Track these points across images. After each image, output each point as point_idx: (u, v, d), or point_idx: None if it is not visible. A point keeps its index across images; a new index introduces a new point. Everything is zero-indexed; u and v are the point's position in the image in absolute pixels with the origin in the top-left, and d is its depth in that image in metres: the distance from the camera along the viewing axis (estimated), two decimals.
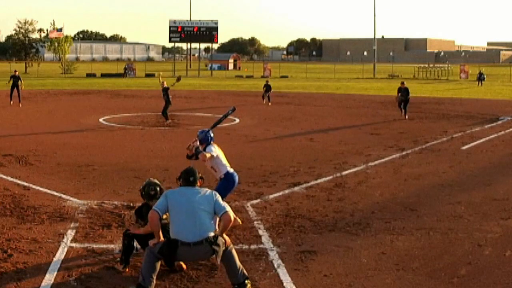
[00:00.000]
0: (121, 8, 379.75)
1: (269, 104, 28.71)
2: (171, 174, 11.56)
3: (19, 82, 26.25)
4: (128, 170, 11.95)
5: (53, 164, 12.50)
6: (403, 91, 22.73)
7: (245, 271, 5.91)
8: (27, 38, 74.09)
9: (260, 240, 7.54)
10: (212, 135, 8.16)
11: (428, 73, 70.83)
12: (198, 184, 6.19)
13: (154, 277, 5.83)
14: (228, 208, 5.92)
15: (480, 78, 47.91)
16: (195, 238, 5.70)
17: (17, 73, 27.08)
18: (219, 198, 6.01)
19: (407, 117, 22.49)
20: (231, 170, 8.03)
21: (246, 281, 5.86)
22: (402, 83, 23.48)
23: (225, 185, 7.92)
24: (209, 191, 6.06)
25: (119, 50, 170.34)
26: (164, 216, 6.05)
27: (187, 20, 72.23)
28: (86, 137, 16.97)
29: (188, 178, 6.08)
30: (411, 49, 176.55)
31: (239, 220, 6.44)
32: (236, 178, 7.96)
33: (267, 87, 29.67)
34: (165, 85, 20.55)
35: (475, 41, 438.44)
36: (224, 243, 5.81)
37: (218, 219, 6.32)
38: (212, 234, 5.78)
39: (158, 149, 14.74)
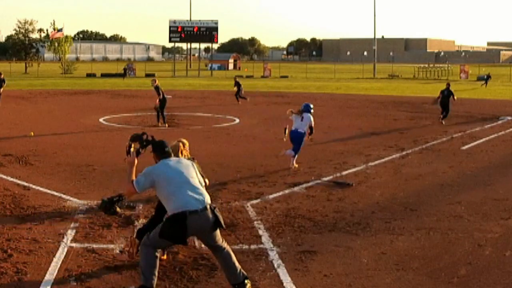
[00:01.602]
0: (121, 8, 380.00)
1: (241, 100, 28.99)
2: None
3: (3, 84, 25.61)
4: None
5: (53, 164, 12.50)
6: (446, 92, 21.59)
7: (243, 271, 5.88)
8: (27, 38, 74.14)
9: (260, 240, 7.54)
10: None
11: (428, 73, 70.87)
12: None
13: (156, 274, 5.79)
14: (205, 182, 6.04)
15: (487, 79, 47.61)
16: (201, 205, 5.61)
17: (1, 76, 25.93)
18: (198, 169, 6.02)
19: (443, 122, 21.09)
20: None
21: (246, 281, 5.81)
22: (448, 84, 22.42)
23: None
24: (188, 161, 6.05)
25: (119, 50, 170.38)
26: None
27: (187, 20, 72.25)
28: (86, 137, 16.97)
29: (164, 149, 5.98)
30: (411, 49, 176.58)
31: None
32: None
33: (238, 85, 29.96)
34: (157, 83, 20.08)
35: (475, 41, 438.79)
36: None
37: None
38: (210, 200, 5.78)
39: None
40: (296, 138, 12.24)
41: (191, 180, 5.76)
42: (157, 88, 19.72)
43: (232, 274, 5.80)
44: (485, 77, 48.14)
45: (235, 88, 29.96)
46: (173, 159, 5.97)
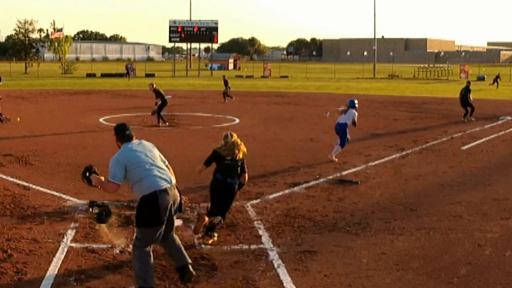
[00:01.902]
0: (121, 8, 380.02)
1: (227, 99, 29.70)
2: None
3: None
4: None
5: (53, 164, 12.49)
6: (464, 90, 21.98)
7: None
8: (27, 38, 74.14)
9: (260, 240, 7.54)
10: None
11: (428, 73, 70.84)
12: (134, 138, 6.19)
13: (153, 274, 5.85)
14: (167, 162, 6.16)
15: (496, 79, 47.22)
16: (168, 184, 5.80)
17: None
18: (158, 150, 6.16)
19: (465, 119, 21.75)
20: None
21: (189, 265, 5.95)
22: (468, 82, 23.00)
23: None
24: (149, 143, 6.18)
25: (119, 50, 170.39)
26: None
27: (187, 20, 72.22)
28: (86, 137, 16.97)
29: (124, 133, 6.13)
30: (411, 49, 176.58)
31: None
32: None
33: (226, 83, 30.70)
34: (155, 87, 19.95)
35: (475, 41, 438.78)
36: None
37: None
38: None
39: (158, 149, 14.71)
40: (340, 129, 13.44)
41: (156, 162, 5.92)
42: (157, 92, 19.58)
43: (178, 256, 6.01)
44: (495, 78, 47.59)
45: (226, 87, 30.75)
46: (134, 142, 6.08)
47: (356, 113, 13.57)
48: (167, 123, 19.62)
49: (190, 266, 5.99)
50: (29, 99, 29.03)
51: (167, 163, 6.14)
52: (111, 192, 6.08)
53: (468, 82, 22.97)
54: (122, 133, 6.13)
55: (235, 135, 7.60)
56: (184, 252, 6.07)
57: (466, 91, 22.10)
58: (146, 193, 5.69)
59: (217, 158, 7.65)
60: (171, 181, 5.86)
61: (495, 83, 46.27)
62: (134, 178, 5.78)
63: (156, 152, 6.10)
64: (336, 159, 13.25)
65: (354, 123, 13.53)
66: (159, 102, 19.40)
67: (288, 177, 11.48)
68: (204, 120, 21.70)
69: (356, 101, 13.85)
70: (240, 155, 7.47)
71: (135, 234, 5.94)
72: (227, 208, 7.64)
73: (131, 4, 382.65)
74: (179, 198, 5.91)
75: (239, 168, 7.52)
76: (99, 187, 6.10)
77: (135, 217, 5.90)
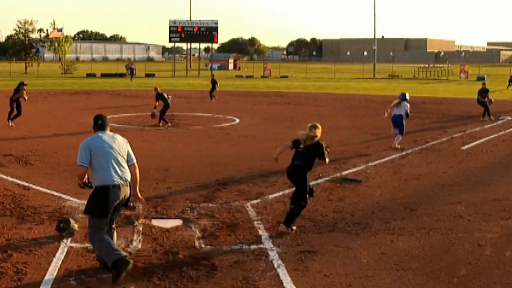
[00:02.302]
0: (121, 8, 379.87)
1: (215, 98, 30.19)
2: (171, 174, 11.58)
3: None
4: None
5: (53, 164, 12.49)
6: (482, 92, 22.71)
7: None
8: (27, 38, 74.14)
9: (260, 240, 7.55)
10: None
11: (428, 73, 70.83)
12: (109, 128, 6.55)
13: (116, 247, 6.25)
14: (135, 161, 6.50)
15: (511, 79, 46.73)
16: (122, 180, 6.23)
17: None
18: (130, 148, 6.53)
19: (485, 118, 22.30)
20: None
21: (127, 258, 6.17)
22: (484, 83, 23.83)
23: None
24: (122, 138, 6.52)
25: (119, 50, 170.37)
26: None
27: (187, 20, 72.24)
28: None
29: (97, 122, 6.51)
30: (411, 49, 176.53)
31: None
32: None
33: (214, 83, 31.08)
34: (159, 91, 19.92)
35: (475, 41, 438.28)
36: None
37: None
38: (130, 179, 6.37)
39: (158, 149, 14.74)
40: (397, 121, 15.13)
41: (119, 157, 6.29)
42: (160, 96, 19.46)
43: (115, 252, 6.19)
44: (510, 77, 46.87)
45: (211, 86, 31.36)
46: (107, 133, 6.45)
47: (408, 105, 15.20)
48: (169, 124, 19.63)
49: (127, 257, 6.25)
50: (29, 99, 28.97)
51: (134, 161, 6.48)
52: (80, 175, 6.35)
53: (483, 83, 23.90)
54: (96, 122, 6.51)
55: (319, 128, 8.14)
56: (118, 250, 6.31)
57: (480, 91, 22.84)
58: (100, 185, 6.16)
59: (295, 145, 8.16)
60: (125, 179, 6.26)
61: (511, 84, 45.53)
62: (94, 165, 6.20)
63: (126, 148, 6.44)
64: (399, 146, 15.04)
65: (407, 114, 15.15)
66: (160, 107, 19.42)
67: None
68: (204, 120, 21.70)
69: (407, 94, 15.41)
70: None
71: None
72: (302, 191, 7.95)
73: (131, 4, 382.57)
74: (128, 195, 6.33)
75: (312, 154, 8.00)
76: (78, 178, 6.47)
77: (86, 203, 6.38)
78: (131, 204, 8.84)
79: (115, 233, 6.53)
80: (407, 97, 15.21)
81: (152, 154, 13.98)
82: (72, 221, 7.69)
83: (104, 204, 6.12)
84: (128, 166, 6.42)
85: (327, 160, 8.11)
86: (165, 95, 19.64)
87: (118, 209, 6.42)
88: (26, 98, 19.56)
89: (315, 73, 72.03)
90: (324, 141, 8.16)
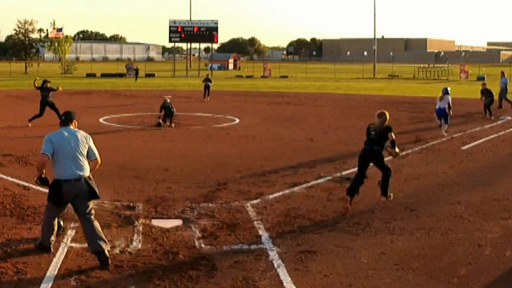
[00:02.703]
0: (121, 8, 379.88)
1: (208, 99, 30.46)
2: (171, 174, 11.58)
3: None
4: (128, 170, 11.95)
5: None
6: (486, 93, 22.95)
7: (106, 243, 6.63)
8: (27, 38, 74.16)
9: (260, 240, 7.55)
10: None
11: (428, 73, 70.80)
12: (73, 124, 7.01)
13: (53, 234, 6.92)
14: (97, 155, 6.90)
15: None
16: (74, 176, 6.61)
17: None
18: (92, 143, 6.92)
19: (492, 117, 22.56)
20: None
21: (105, 251, 6.54)
22: (484, 84, 24.11)
23: None
24: (84, 135, 6.92)
25: (119, 50, 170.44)
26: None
27: (187, 20, 72.25)
28: None
29: (62, 118, 7.08)
30: (411, 49, 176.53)
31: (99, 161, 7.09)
32: None
33: (208, 81, 31.46)
34: (169, 101, 19.67)
35: (475, 41, 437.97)
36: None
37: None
38: (88, 173, 6.76)
39: (158, 149, 14.75)
40: (441, 113, 17.63)
41: (76, 153, 6.69)
42: (166, 107, 19.35)
43: (93, 242, 6.58)
44: None
45: (210, 84, 31.72)
46: (69, 129, 6.89)
47: (450, 98, 17.58)
48: (173, 124, 19.71)
49: (106, 252, 6.58)
50: (29, 99, 29.01)
51: (95, 156, 6.87)
52: (40, 162, 6.81)
53: (484, 84, 24.30)
54: (60, 118, 7.13)
55: (386, 114, 9.74)
56: (100, 239, 6.61)
57: (482, 92, 23.33)
58: (55, 177, 6.70)
59: (368, 134, 9.53)
60: (79, 175, 6.65)
61: None
62: (54, 159, 6.69)
63: (86, 145, 6.83)
64: (446, 133, 17.41)
65: (449, 106, 17.34)
66: (162, 115, 19.44)
67: (288, 177, 11.48)
68: (204, 120, 21.70)
69: (449, 88, 18.01)
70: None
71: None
72: (384, 166, 9.55)
73: (131, 4, 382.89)
74: (85, 189, 6.66)
75: (384, 138, 9.50)
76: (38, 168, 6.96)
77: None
78: (132, 205, 8.86)
79: (95, 222, 6.76)
80: (449, 91, 17.63)
81: (152, 154, 13.99)
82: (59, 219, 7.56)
83: (56, 195, 6.69)
84: (90, 161, 6.83)
85: (393, 135, 9.52)
86: (171, 106, 19.47)
87: (80, 200, 6.71)
88: (59, 89, 20.30)
89: (315, 73, 72.02)
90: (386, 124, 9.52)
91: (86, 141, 6.85)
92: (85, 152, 6.78)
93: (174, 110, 19.64)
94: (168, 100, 19.63)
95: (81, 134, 6.90)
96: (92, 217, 6.76)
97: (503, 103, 27.22)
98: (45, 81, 20.23)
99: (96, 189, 6.75)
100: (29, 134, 17.26)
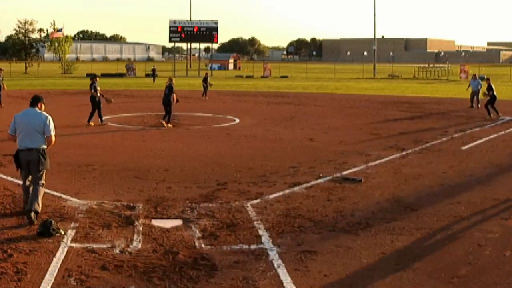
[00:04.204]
0: (121, 8, 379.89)
1: (207, 98, 31.11)
2: (171, 174, 11.58)
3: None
4: (128, 170, 11.95)
5: (53, 164, 12.39)
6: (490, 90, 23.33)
7: (38, 207, 8.13)
8: (27, 38, 74.18)
9: (260, 240, 7.54)
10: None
11: (428, 73, 70.84)
12: (39, 106, 8.48)
13: (28, 199, 8.21)
14: (53, 133, 8.34)
15: None
16: (27, 147, 8.23)
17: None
18: (50, 123, 8.29)
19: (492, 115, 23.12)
20: None
21: (32, 214, 7.97)
22: (487, 80, 24.51)
23: None
24: (44, 116, 8.32)
25: (119, 50, 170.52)
26: None
27: (187, 20, 72.27)
28: (86, 137, 16.97)
29: (31, 100, 8.57)
30: (411, 49, 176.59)
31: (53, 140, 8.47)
32: None
33: (206, 81, 32.28)
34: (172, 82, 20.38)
35: (475, 41, 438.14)
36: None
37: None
38: (43, 147, 8.29)
39: (158, 149, 14.75)
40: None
41: (32, 130, 8.22)
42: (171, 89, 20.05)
43: (30, 202, 8.08)
44: None
45: (209, 84, 32.55)
46: (31, 110, 8.41)
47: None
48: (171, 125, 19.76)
49: (32, 213, 7.99)
50: (29, 99, 28.98)
51: (50, 134, 8.28)
52: (9, 139, 8.75)
53: (487, 80, 24.65)
54: (30, 101, 8.57)
55: None
56: (34, 200, 8.09)
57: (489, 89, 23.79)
58: (17, 148, 8.37)
59: None
60: (31, 147, 8.22)
61: None
62: (17, 133, 8.38)
63: (42, 123, 8.23)
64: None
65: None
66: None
67: (288, 177, 11.48)
68: (204, 120, 21.70)
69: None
70: None
71: None
72: None
73: (131, 4, 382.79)
74: (36, 158, 8.22)
75: None
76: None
77: None
78: (132, 204, 8.86)
79: (40, 188, 8.24)
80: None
81: (152, 154, 13.99)
82: (52, 221, 7.67)
83: (16, 160, 8.42)
84: (46, 137, 8.28)
85: None
86: (172, 86, 20.05)
87: (32, 167, 8.29)
88: (98, 94, 20.06)
89: (315, 73, 72.03)
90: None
91: (44, 121, 8.25)
92: (41, 130, 8.23)
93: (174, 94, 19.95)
94: (173, 81, 20.56)
95: (41, 115, 8.34)
96: (40, 183, 8.30)
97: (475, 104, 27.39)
98: (93, 76, 20.82)
99: (45, 160, 8.28)
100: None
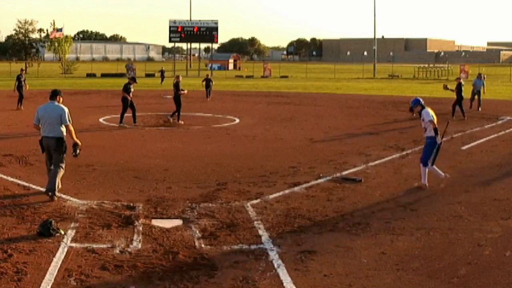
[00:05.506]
0: (121, 8, 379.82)
1: (208, 99, 31.12)
2: (171, 174, 11.58)
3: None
4: (128, 170, 11.96)
5: None
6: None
7: (56, 189, 9.40)
8: (27, 38, 74.22)
9: (260, 240, 7.55)
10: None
11: (428, 73, 70.81)
12: (57, 99, 9.72)
13: (47, 170, 9.83)
14: (69, 122, 9.54)
15: None
16: (48, 135, 9.57)
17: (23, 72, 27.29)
18: (66, 114, 9.49)
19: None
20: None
21: (50, 193, 9.33)
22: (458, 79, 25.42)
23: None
24: (61, 108, 9.54)
25: (119, 50, 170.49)
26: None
27: (187, 20, 72.29)
28: (86, 137, 16.95)
29: (50, 94, 9.86)
30: (411, 49, 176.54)
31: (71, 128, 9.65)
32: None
33: (207, 81, 32.37)
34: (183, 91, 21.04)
35: (475, 41, 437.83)
36: (67, 147, 9.74)
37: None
38: (61, 136, 9.56)
39: (158, 149, 14.75)
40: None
41: (51, 120, 9.50)
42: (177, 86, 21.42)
43: (50, 183, 9.39)
44: None
45: (204, 84, 32.67)
46: (51, 103, 9.67)
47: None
48: (181, 122, 20.46)
49: (49, 192, 9.34)
50: (29, 99, 28.99)
51: (67, 123, 9.50)
52: (34, 128, 10.09)
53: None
54: (50, 95, 9.87)
55: None
56: (52, 180, 9.40)
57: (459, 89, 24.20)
58: (41, 135, 9.71)
59: None
60: (51, 136, 9.55)
61: None
62: (40, 123, 9.69)
63: (59, 114, 9.48)
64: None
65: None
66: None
67: (288, 177, 11.48)
68: (204, 120, 21.71)
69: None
70: None
71: None
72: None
73: (131, 4, 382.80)
74: (52, 145, 9.56)
75: None
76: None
77: None
78: (131, 204, 8.87)
79: (60, 171, 9.55)
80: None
81: (152, 154, 13.99)
82: (52, 221, 7.69)
83: (41, 145, 9.76)
84: (65, 126, 9.51)
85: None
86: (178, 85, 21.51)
87: (52, 152, 9.63)
88: (130, 96, 20.06)
89: (315, 73, 72.03)
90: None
91: (60, 112, 9.47)
92: (59, 120, 9.47)
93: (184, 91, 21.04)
94: (180, 79, 21.73)
95: (59, 107, 9.58)
96: (59, 165, 9.55)
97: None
98: (130, 80, 21.39)
99: (63, 147, 9.53)
100: (29, 134, 17.25)
